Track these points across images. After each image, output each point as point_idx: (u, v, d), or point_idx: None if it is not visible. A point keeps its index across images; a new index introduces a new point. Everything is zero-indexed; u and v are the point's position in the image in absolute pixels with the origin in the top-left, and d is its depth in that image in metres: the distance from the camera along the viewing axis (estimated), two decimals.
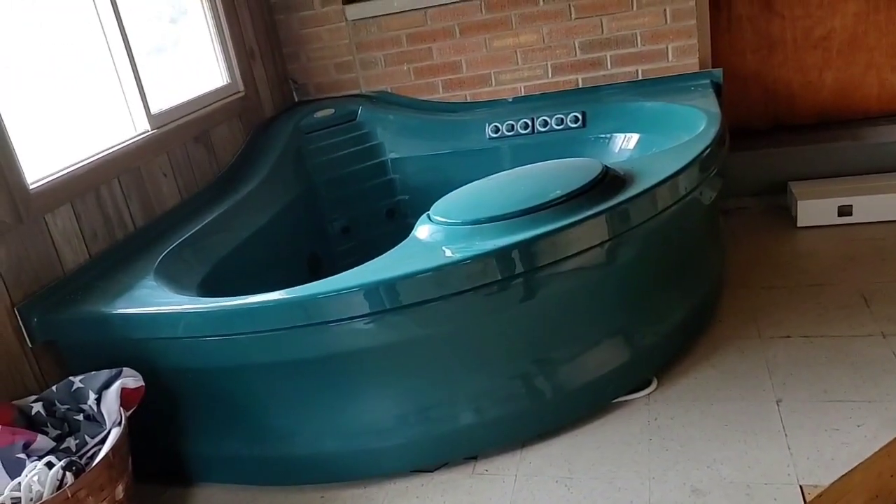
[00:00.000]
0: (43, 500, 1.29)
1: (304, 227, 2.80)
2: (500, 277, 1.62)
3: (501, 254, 1.59)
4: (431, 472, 1.72)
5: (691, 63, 2.72)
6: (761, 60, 2.90)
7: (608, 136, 2.63)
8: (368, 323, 1.61)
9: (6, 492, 1.30)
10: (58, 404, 1.56)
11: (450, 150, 2.88)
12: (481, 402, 1.73)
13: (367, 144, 3.00)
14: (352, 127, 3.00)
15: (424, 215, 1.85)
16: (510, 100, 2.93)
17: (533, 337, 1.75)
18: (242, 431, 1.77)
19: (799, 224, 2.59)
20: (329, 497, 1.71)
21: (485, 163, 2.76)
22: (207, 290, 1.97)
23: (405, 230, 1.85)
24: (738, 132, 2.91)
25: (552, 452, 1.70)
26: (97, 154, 2.10)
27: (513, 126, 2.77)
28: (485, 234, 1.65)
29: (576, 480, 1.60)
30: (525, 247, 1.60)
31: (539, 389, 1.77)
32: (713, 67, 2.72)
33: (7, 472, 1.37)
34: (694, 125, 2.20)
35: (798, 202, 2.58)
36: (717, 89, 2.60)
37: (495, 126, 2.80)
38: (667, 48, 2.72)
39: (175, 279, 1.93)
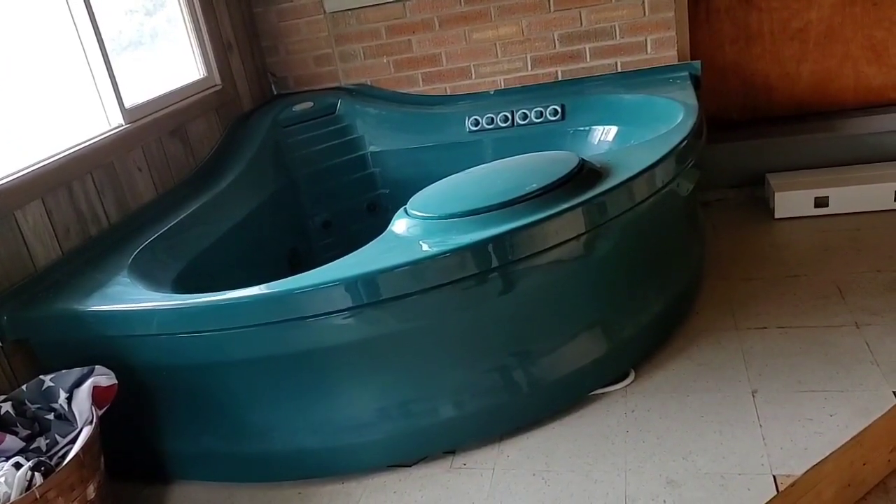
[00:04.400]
0: (11, 501, 1.27)
1: (283, 222, 2.78)
2: (477, 271, 1.61)
3: (478, 247, 1.58)
4: (410, 466, 1.72)
5: (670, 55, 2.72)
6: (739, 52, 2.91)
7: (587, 128, 2.62)
8: (346, 318, 1.60)
9: None
10: (28, 403, 1.54)
11: (430, 144, 2.86)
12: (460, 396, 1.73)
13: (347, 138, 2.98)
14: (331, 120, 2.98)
15: (401, 209, 1.84)
16: (490, 93, 2.92)
17: (511, 330, 1.75)
18: (220, 428, 1.76)
19: (776, 215, 2.61)
20: (307, 493, 1.71)
21: (465, 156, 2.75)
22: (183, 286, 1.95)
23: (386, 224, 1.84)
24: (716, 124, 2.92)
25: (530, 445, 1.70)
26: (69, 149, 2.07)
27: (493, 119, 2.77)
28: (462, 227, 1.64)
29: (553, 473, 1.60)
30: (502, 240, 1.60)
31: (517, 382, 1.77)
32: (692, 59, 2.72)
33: None
34: (672, 117, 2.20)
35: (775, 194, 2.59)
36: (696, 81, 2.60)
37: (475, 119, 2.79)
38: (645, 40, 2.72)
39: (149, 276, 1.91)
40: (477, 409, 1.74)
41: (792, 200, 2.58)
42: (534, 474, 1.61)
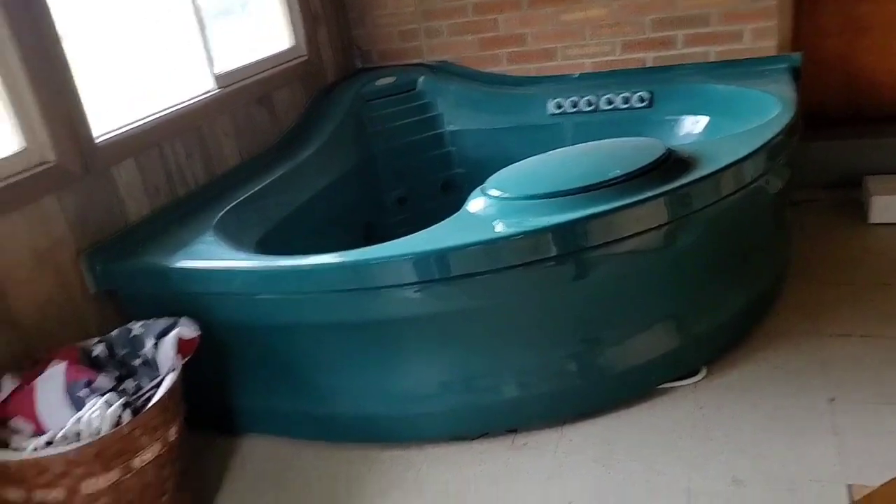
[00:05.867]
0: (101, 435, 1.35)
1: (360, 196, 2.83)
2: (552, 255, 1.60)
3: (555, 231, 1.57)
4: (471, 440, 1.74)
5: (769, 46, 2.60)
6: (845, 45, 2.76)
7: (675, 118, 2.55)
8: (417, 291, 1.62)
9: (69, 424, 1.37)
10: (117, 348, 1.63)
11: (509, 125, 2.85)
12: (525, 377, 1.74)
13: (427, 115, 2.99)
14: (412, 96, 3.00)
15: (478, 189, 1.84)
16: (575, 76, 2.87)
17: (582, 316, 1.74)
18: (290, 387, 1.82)
19: (871, 220, 2.48)
20: (369, 456, 1.75)
21: (544, 139, 2.72)
22: (265, 249, 2.01)
23: (460, 204, 1.85)
24: (813, 120, 2.78)
25: (593, 432, 1.69)
26: (162, 111, 2.15)
27: (576, 103, 2.72)
28: (539, 209, 1.63)
29: (615, 461, 1.59)
30: (579, 225, 1.58)
31: (584, 369, 1.76)
32: (792, 51, 2.60)
33: (71, 407, 1.45)
34: (766, 111, 2.12)
35: (873, 197, 2.46)
36: (795, 74, 2.49)
37: (558, 102, 2.75)
38: (743, 29, 2.62)
39: (233, 237, 1.97)
40: (541, 391, 1.74)
41: (890, 205, 2.44)
42: (595, 460, 1.61)
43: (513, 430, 1.75)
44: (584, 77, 2.86)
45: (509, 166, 1.93)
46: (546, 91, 2.83)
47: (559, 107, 2.75)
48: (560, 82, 2.88)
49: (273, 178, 2.35)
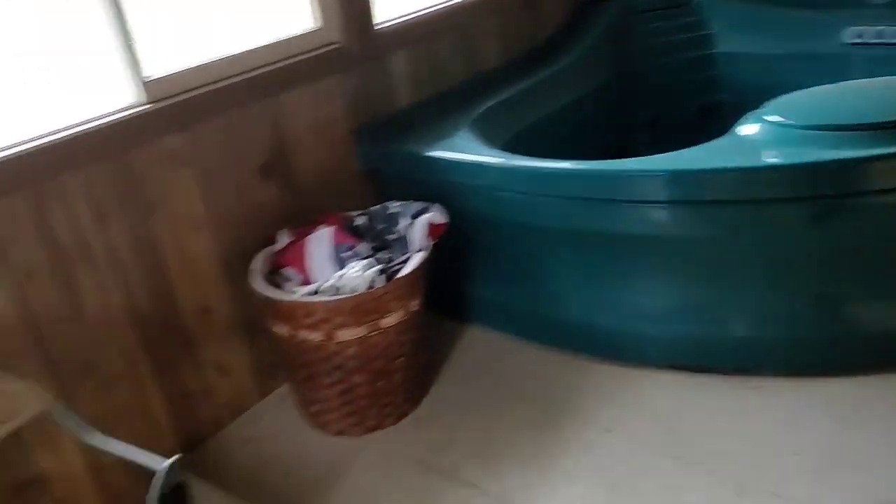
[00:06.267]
0: (357, 293, 1.51)
1: (611, 111, 2.74)
2: (828, 193, 1.46)
3: (839, 167, 1.42)
4: (694, 372, 1.69)
5: None
6: None
7: None
8: (663, 210, 1.58)
9: (332, 280, 1.55)
10: (376, 222, 1.78)
11: (792, 52, 2.55)
12: (765, 319, 1.64)
13: (697, 34, 2.78)
14: (684, 12, 2.80)
15: (753, 112, 1.70)
16: (882, 2, 2.48)
17: (843, 265, 1.58)
18: (521, 286, 1.88)
19: None
20: (589, 368, 1.76)
21: (831, 72, 2.39)
22: (512, 151, 2.05)
23: (715, 132, 1.72)
24: None
25: (835, 390, 1.56)
26: (435, 6, 2.22)
27: (881, 33, 2.36)
28: (824, 142, 1.47)
29: (855, 422, 1.46)
30: (869, 164, 1.41)
31: (833, 323, 1.62)
32: None
33: (335, 265, 1.63)
34: None
35: None
36: None
37: (857, 31, 2.41)
38: None
39: (485, 135, 2.03)
40: (781, 337, 1.64)
41: None
42: (832, 418, 1.49)
43: (743, 371, 1.66)
44: (893, 4, 2.46)
45: (793, 92, 1.75)
46: (842, 17, 2.48)
47: (859, 36, 2.40)
48: (860, 7, 2.50)
49: (529, 84, 2.35)
